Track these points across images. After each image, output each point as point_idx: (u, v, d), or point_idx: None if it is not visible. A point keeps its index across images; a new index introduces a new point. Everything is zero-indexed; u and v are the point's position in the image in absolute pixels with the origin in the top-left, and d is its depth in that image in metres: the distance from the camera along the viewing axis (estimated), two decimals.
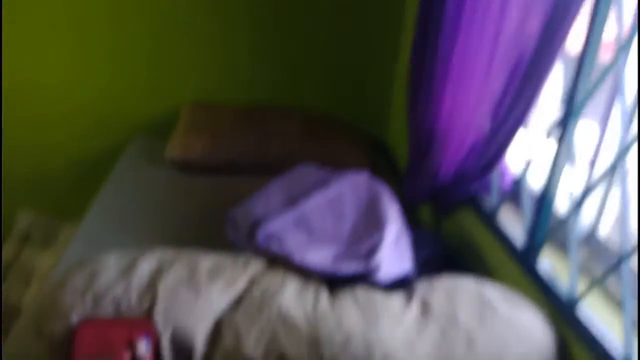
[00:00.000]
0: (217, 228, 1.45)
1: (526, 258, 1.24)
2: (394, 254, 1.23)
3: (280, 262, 1.20)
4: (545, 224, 1.24)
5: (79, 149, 2.17)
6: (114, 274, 1.09)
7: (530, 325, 1.06)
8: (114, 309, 1.04)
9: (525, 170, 1.34)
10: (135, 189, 1.79)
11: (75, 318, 1.01)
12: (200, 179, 1.84)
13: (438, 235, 1.53)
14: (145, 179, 1.84)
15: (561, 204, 1.29)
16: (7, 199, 2.17)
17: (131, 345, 0.97)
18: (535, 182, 1.39)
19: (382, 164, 2.03)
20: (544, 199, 1.24)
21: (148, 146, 2.03)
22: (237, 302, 1.09)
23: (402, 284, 1.18)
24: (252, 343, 1.03)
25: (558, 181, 1.23)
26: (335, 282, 1.16)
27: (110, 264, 1.11)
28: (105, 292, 1.05)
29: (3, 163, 2.13)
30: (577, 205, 1.14)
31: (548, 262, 1.22)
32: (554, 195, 1.24)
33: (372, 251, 1.20)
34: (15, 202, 2.18)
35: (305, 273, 1.17)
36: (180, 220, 1.61)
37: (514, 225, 1.36)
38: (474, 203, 1.49)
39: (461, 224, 1.57)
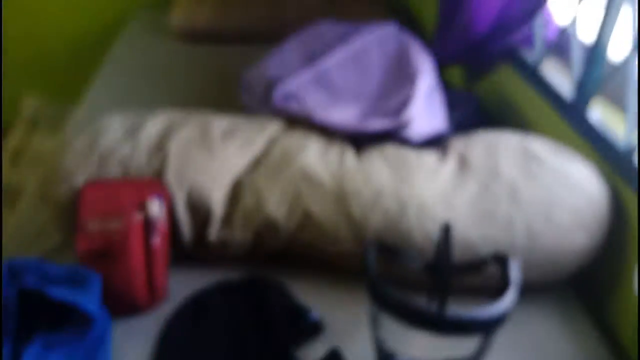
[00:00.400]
0: (228, 98, 1.34)
1: (575, 110, 1.11)
2: (427, 109, 1.10)
3: (300, 122, 1.09)
4: (597, 71, 1.10)
5: (79, 27, 2.02)
6: (119, 134, 0.99)
7: (580, 176, 0.96)
8: (122, 171, 0.95)
9: (575, 16, 1.17)
10: (139, 63, 1.67)
11: (80, 180, 0.93)
12: (208, 49, 1.70)
13: (473, 95, 1.39)
14: (149, 53, 1.71)
15: (614, 52, 1.14)
16: (11, 85, 2.07)
17: (142, 206, 0.89)
18: (583, 32, 1.22)
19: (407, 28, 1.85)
20: (597, 43, 1.08)
21: (150, 19, 1.88)
22: (256, 163, 1.00)
23: (436, 143, 1.07)
24: (275, 202, 0.94)
25: (614, 22, 1.07)
26: (361, 142, 1.05)
27: (115, 125, 1.01)
28: (111, 152, 0.96)
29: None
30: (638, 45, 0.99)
31: (599, 114, 1.09)
32: (607, 39, 1.08)
33: (403, 106, 1.07)
34: (20, 88, 2.08)
35: (329, 132, 1.06)
36: (188, 92, 1.50)
37: (560, 79, 1.22)
38: (513, 59, 1.33)
39: (499, 83, 1.42)
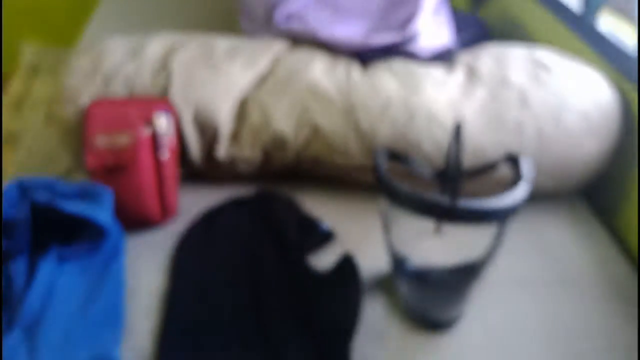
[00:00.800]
0: (232, 30, 1.31)
1: (583, 22, 1.09)
2: (433, 24, 1.08)
3: (304, 41, 1.06)
4: None
5: None
6: (122, 55, 0.97)
7: (590, 82, 0.94)
8: (126, 90, 0.93)
9: None
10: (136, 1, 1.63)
11: (85, 99, 0.92)
12: None
13: (479, 18, 1.36)
14: None
15: None
16: (10, 32, 2.03)
17: (150, 121, 0.88)
18: None
19: None
20: None
21: None
22: (262, 80, 0.98)
23: (443, 58, 1.05)
24: (282, 118, 0.93)
25: None
26: (367, 59, 1.03)
27: (117, 47, 0.99)
28: (115, 72, 0.94)
29: None
30: None
31: (607, 24, 1.06)
32: None
33: (409, 19, 1.04)
34: (19, 35, 2.04)
35: (334, 50, 1.04)
36: (189, 28, 1.46)
37: None
38: None
39: (505, 4, 1.39)
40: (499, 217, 0.68)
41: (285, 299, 0.78)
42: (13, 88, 1.91)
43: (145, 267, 0.84)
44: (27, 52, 1.98)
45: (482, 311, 0.79)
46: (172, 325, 0.75)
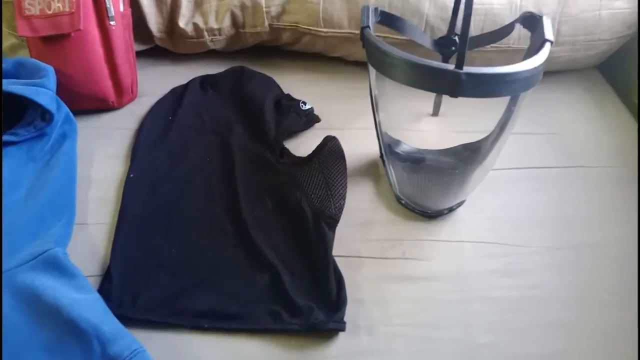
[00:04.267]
0: None
1: None
2: None
3: None
4: None
5: None
6: None
7: None
8: None
9: None
10: None
11: None
12: None
13: None
14: None
15: None
16: None
17: None
18: None
19: None
20: None
21: None
22: None
23: None
24: None
25: None
26: None
27: None
28: None
29: None
30: None
31: None
32: None
33: None
34: None
35: None
36: None
37: None
38: None
39: None
40: (516, 87, 0.51)
41: (256, 187, 0.63)
42: None
43: (102, 154, 0.68)
44: None
45: (478, 200, 0.65)
46: (125, 219, 0.61)
